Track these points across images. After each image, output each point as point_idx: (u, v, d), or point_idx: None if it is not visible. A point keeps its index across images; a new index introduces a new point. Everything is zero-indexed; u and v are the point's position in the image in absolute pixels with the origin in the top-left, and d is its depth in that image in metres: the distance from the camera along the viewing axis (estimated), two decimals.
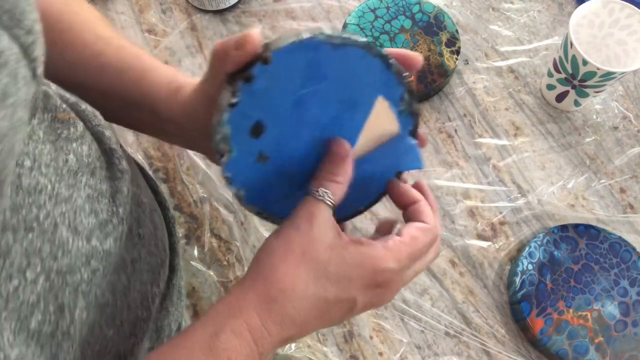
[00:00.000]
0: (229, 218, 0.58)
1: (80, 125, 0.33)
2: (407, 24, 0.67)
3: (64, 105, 0.33)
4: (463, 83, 0.66)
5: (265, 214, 0.36)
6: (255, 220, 0.58)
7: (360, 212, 0.41)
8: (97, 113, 0.37)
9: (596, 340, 0.52)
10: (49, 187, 0.27)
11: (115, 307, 0.34)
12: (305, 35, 0.29)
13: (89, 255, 0.30)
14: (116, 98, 0.40)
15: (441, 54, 0.65)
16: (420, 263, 0.35)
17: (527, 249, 0.55)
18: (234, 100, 0.30)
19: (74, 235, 0.29)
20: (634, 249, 0.55)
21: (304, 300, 0.31)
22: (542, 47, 0.69)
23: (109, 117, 0.39)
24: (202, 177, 0.61)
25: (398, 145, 0.36)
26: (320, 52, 0.30)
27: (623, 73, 0.56)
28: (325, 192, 0.33)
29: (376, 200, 0.40)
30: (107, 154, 0.36)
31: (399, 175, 0.38)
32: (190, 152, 0.61)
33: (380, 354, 0.53)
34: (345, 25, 0.66)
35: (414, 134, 0.36)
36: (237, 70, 0.30)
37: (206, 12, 0.70)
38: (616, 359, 0.51)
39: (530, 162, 0.62)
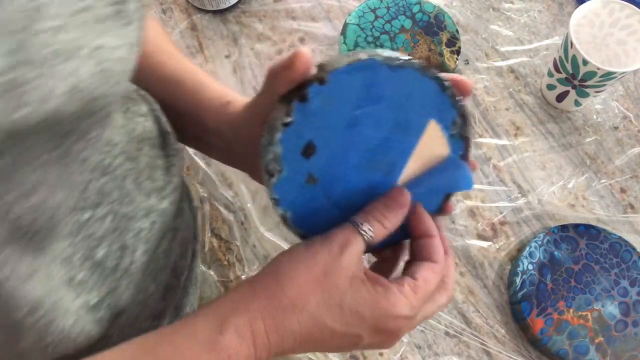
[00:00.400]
0: (229, 218, 0.58)
1: (144, 106, 0.37)
2: (408, 24, 0.67)
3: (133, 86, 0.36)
4: None
5: (309, 236, 0.35)
6: (256, 220, 0.58)
7: (404, 238, 0.39)
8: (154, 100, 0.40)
9: (596, 340, 0.52)
10: (121, 144, 0.29)
11: (158, 265, 0.37)
12: (363, 56, 0.29)
13: (148, 210, 0.34)
14: (170, 108, 0.41)
15: (441, 54, 0.65)
16: (430, 307, 0.35)
17: (527, 249, 0.55)
18: (289, 119, 0.30)
19: (138, 190, 0.34)
20: (634, 249, 0.55)
21: (311, 321, 0.31)
22: (542, 47, 0.69)
23: None
24: (202, 176, 0.61)
25: (448, 167, 0.35)
26: (377, 73, 0.30)
27: (623, 73, 0.56)
28: (369, 229, 0.32)
29: None
30: (164, 135, 0.39)
31: (448, 197, 0.37)
32: (191, 152, 0.61)
33: (381, 354, 0.53)
34: (345, 25, 0.66)
35: (464, 158, 0.35)
36: (291, 90, 0.30)
37: (206, 12, 0.70)
38: (616, 359, 0.51)
39: (530, 162, 0.62)
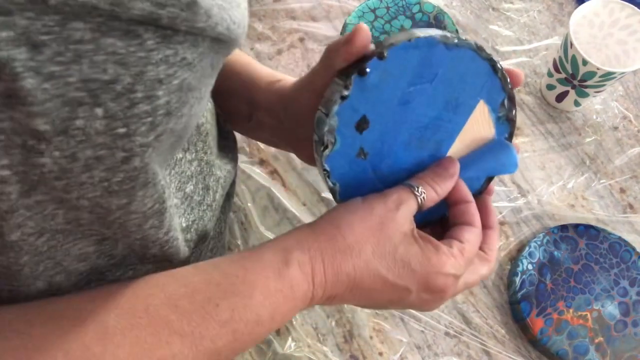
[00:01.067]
0: (229, 217, 0.58)
1: None
2: (407, 24, 0.67)
3: None
4: None
5: None
6: (256, 220, 0.58)
7: (445, 217, 0.40)
8: None
9: (596, 340, 0.52)
10: (197, 103, 0.31)
11: (226, 209, 0.43)
12: (422, 34, 0.31)
13: (220, 163, 0.40)
14: (218, 88, 0.44)
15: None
16: (472, 276, 0.36)
17: (527, 249, 0.55)
18: (346, 92, 0.31)
19: (214, 146, 0.39)
20: (633, 249, 0.55)
21: (365, 266, 0.32)
22: (542, 47, 0.69)
23: None
24: None
25: (494, 149, 0.36)
26: (433, 51, 0.31)
27: (623, 73, 0.56)
28: (423, 192, 0.34)
29: None
30: (217, 116, 0.42)
31: (489, 180, 0.39)
32: None
33: (380, 353, 0.53)
34: (345, 25, 0.66)
35: (509, 140, 0.36)
36: (350, 65, 0.31)
37: None
38: (616, 359, 0.51)
39: (530, 162, 0.62)
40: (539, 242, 0.56)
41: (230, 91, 0.44)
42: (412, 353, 0.53)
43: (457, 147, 0.36)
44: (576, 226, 0.57)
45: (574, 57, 0.57)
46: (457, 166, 0.36)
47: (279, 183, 0.60)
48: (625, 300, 0.53)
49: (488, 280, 0.56)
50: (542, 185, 0.61)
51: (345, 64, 0.32)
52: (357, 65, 0.31)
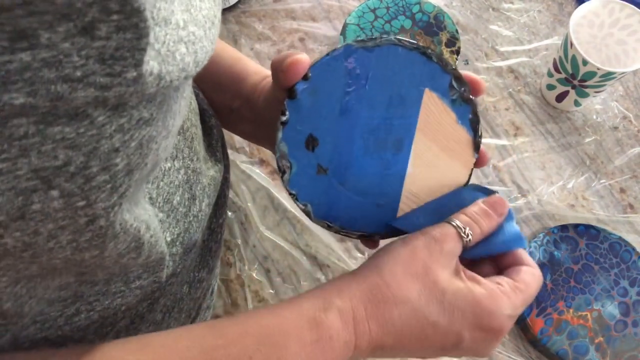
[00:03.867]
0: (229, 217, 0.58)
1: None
2: (407, 24, 0.67)
3: None
4: None
5: (335, 226, 0.36)
6: (256, 219, 0.58)
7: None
8: None
9: (596, 340, 0.52)
10: (179, 104, 0.32)
11: (210, 222, 0.43)
12: (339, 46, 0.32)
13: (206, 167, 0.39)
14: (208, 81, 0.44)
15: (441, 54, 0.65)
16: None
17: (527, 249, 0.55)
18: (284, 118, 0.33)
19: (201, 150, 0.38)
20: (634, 249, 0.55)
21: (413, 314, 0.31)
22: (542, 47, 0.69)
23: None
24: None
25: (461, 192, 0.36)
26: (355, 57, 0.32)
27: (623, 73, 0.56)
28: (470, 233, 0.33)
29: None
30: (201, 112, 0.42)
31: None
32: None
33: None
34: (345, 25, 0.66)
35: (475, 122, 0.35)
36: (284, 90, 0.33)
37: None
38: (616, 359, 0.51)
39: (530, 162, 0.62)
40: (539, 242, 0.56)
41: (217, 84, 0.45)
42: None
43: (422, 140, 0.35)
44: (576, 226, 0.57)
45: (574, 57, 0.57)
46: (506, 205, 0.35)
47: (279, 183, 0.60)
48: (625, 300, 0.53)
49: None
50: (542, 185, 0.61)
51: (285, 86, 0.33)
52: (288, 90, 0.33)
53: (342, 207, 0.35)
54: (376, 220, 0.36)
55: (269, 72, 0.44)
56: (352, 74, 0.32)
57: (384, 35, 0.33)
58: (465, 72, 0.34)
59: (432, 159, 0.35)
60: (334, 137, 0.34)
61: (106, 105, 0.19)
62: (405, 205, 0.36)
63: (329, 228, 0.36)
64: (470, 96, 0.34)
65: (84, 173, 0.19)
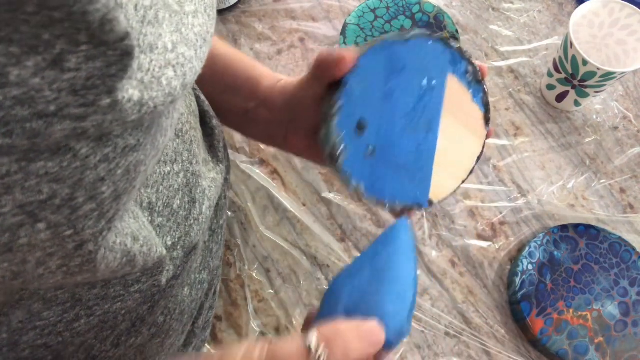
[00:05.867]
0: (229, 217, 0.58)
1: None
2: (407, 24, 0.67)
3: None
4: None
5: (383, 202, 0.39)
6: (256, 219, 0.58)
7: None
8: None
9: (596, 340, 0.52)
10: (185, 114, 0.32)
11: (211, 223, 0.43)
12: (378, 40, 0.36)
13: (206, 170, 0.40)
14: (221, 83, 0.46)
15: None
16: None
17: (527, 249, 0.55)
18: (338, 105, 0.36)
19: (200, 154, 0.38)
20: (634, 249, 0.55)
21: None
22: (542, 47, 0.69)
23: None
24: None
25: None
26: (394, 48, 0.37)
27: (623, 73, 0.56)
28: (321, 355, 0.27)
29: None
30: (202, 114, 0.43)
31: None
32: None
33: None
34: (345, 25, 0.66)
35: (486, 100, 0.40)
36: (333, 82, 0.37)
37: None
38: (616, 359, 0.51)
39: (530, 162, 0.62)
40: (539, 242, 0.56)
41: (233, 86, 0.46)
42: (412, 353, 0.53)
43: (446, 119, 0.39)
44: (576, 226, 0.57)
45: (574, 57, 0.57)
46: (383, 337, 0.30)
47: (279, 183, 0.60)
48: (625, 300, 0.53)
49: (488, 280, 0.56)
50: (542, 185, 0.61)
51: (332, 79, 0.36)
52: (340, 80, 0.36)
53: (386, 184, 0.39)
54: (414, 193, 0.40)
55: (281, 76, 0.45)
56: (391, 64, 0.37)
57: (415, 30, 0.37)
58: (478, 63, 0.39)
59: (455, 134, 0.40)
60: (378, 120, 0.38)
61: (87, 136, 0.18)
62: (436, 175, 0.40)
63: (379, 204, 0.39)
64: (480, 78, 0.40)
65: (69, 204, 0.19)
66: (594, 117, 0.65)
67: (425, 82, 0.38)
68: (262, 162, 0.61)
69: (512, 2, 0.72)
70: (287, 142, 0.45)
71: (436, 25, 0.66)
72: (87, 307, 0.29)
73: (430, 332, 0.54)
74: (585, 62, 0.56)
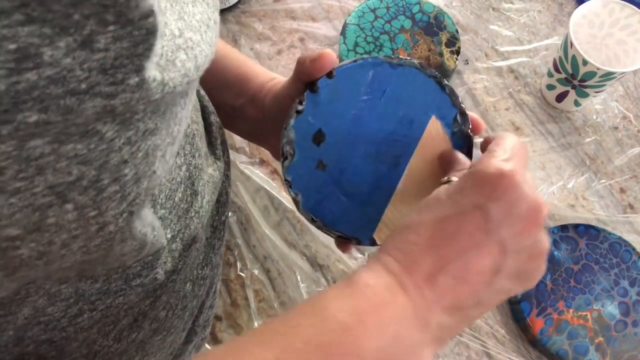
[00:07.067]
0: (229, 218, 0.58)
1: None
2: (407, 24, 0.67)
3: None
4: (463, 83, 0.66)
5: (319, 222, 0.37)
6: (256, 219, 0.58)
7: None
8: None
9: (596, 340, 0.52)
10: (187, 109, 0.32)
11: (213, 220, 0.43)
12: (366, 56, 0.34)
13: (207, 164, 0.40)
14: (212, 80, 0.45)
15: (441, 54, 0.65)
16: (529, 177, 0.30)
17: None
18: (300, 107, 0.34)
19: (202, 147, 0.39)
20: (634, 249, 0.55)
21: (422, 226, 0.29)
22: (542, 47, 0.69)
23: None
24: None
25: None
26: (379, 69, 0.34)
27: (623, 73, 0.56)
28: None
29: None
30: (201, 109, 0.43)
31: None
32: None
33: None
34: (345, 25, 0.66)
35: (469, 156, 0.36)
36: (307, 83, 0.35)
37: None
38: (616, 359, 0.51)
39: (530, 162, 0.62)
40: None
41: (223, 82, 0.46)
42: None
43: (417, 162, 0.36)
44: (576, 226, 0.57)
45: (574, 57, 0.57)
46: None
47: (279, 183, 0.60)
48: (625, 300, 0.53)
49: None
50: (542, 185, 0.61)
51: (309, 79, 0.35)
52: (310, 83, 0.35)
53: (329, 206, 0.37)
54: (357, 226, 0.37)
55: (275, 75, 0.45)
56: (372, 85, 0.35)
57: (408, 58, 0.35)
58: (471, 113, 0.36)
59: (422, 180, 0.36)
60: (340, 138, 0.35)
61: (115, 115, 0.19)
62: (387, 217, 0.37)
63: (312, 222, 0.37)
64: (470, 132, 0.36)
65: (95, 186, 0.20)
66: (594, 117, 0.65)
67: (403, 114, 0.35)
68: (262, 162, 0.61)
69: (512, 2, 0.72)
70: (269, 140, 0.46)
71: (436, 25, 0.66)
72: (90, 302, 0.29)
73: None
74: (585, 62, 0.56)
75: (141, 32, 0.18)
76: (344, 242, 0.39)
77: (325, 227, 0.37)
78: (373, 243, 0.37)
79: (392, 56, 0.35)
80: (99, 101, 0.18)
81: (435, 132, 0.36)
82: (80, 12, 0.17)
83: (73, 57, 0.17)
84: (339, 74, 0.34)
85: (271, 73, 0.46)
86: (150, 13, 0.18)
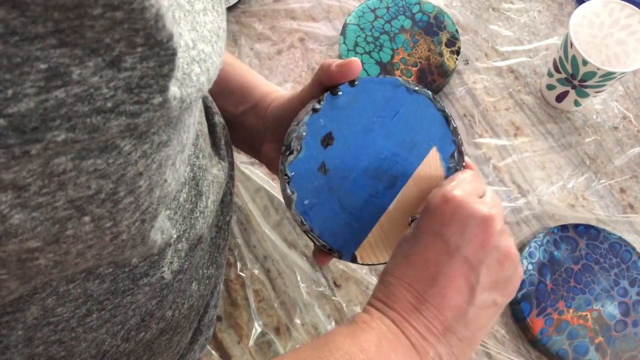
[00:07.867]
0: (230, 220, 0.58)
1: None
2: (407, 24, 0.67)
3: None
4: (463, 83, 0.66)
5: (307, 227, 0.37)
6: (256, 219, 0.58)
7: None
8: None
9: (596, 340, 0.52)
10: (194, 115, 0.33)
11: (218, 220, 0.44)
12: (388, 76, 0.36)
13: (211, 165, 0.41)
14: (214, 86, 0.45)
15: (441, 54, 0.65)
16: (490, 198, 0.34)
17: (527, 249, 0.55)
18: (318, 106, 0.35)
19: (206, 148, 0.39)
20: (634, 249, 0.55)
21: (396, 267, 0.33)
22: (542, 47, 0.69)
23: None
24: None
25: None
26: (397, 91, 0.36)
27: (623, 73, 0.56)
28: None
29: None
30: (205, 110, 0.44)
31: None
32: None
33: None
34: (345, 25, 0.66)
35: None
36: (329, 87, 0.36)
37: None
38: (616, 359, 0.51)
39: (530, 162, 0.62)
40: (539, 242, 0.56)
41: (226, 89, 0.46)
42: None
43: (410, 188, 0.37)
44: (576, 226, 0.57)
45: (574, 57, 0.57)
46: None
47: (279, 183, 0.60)
48: (625, 300, 0.53)
49: None
50: (542, 185, 0.61)
51: (330, 83, 0.36)
52: (332, 87, 0.36)
53: (321, 213, 0.37)
54: (343, 240, 0.37)
55: (278, 88, 0.46)
56: (387, 103, 0.36)
57: (424, 88, 0.37)
58: (467, 159, 0.38)
59: (410, 206, 0.38)
60: (348, 146, 0.36)
61: (134, 133, 0.20)
62: (372, 236, 0.38)
63: (300, 224, 0.37)
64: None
65: (112, 198, 0.21)
66: (594, 117, 0.65)
67: (408, 138, 0.37)
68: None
69: (512, 2, 0.72)
70: (261, 150, 0.46)
71: (436, 25, 0.66)
72: (98, 302, 0.30)
73: None
74: (585, 62, 0.56)
75: (167, 53, 0.19)
76: (323, 254, 0.39)
77: (311, 233, 0.37)
78: (354, 260, 0.38)
79: (411, 82, 0.36)
80: (123, 120, 0.19)
81: (433, 163, 0.37)
82: (111, 36, 0.17)
83: (100, 76, 0.17)
84: (361, 84, 0.36)
85: (274, 85, 0.46)
86: (172, 35, 0.18)
